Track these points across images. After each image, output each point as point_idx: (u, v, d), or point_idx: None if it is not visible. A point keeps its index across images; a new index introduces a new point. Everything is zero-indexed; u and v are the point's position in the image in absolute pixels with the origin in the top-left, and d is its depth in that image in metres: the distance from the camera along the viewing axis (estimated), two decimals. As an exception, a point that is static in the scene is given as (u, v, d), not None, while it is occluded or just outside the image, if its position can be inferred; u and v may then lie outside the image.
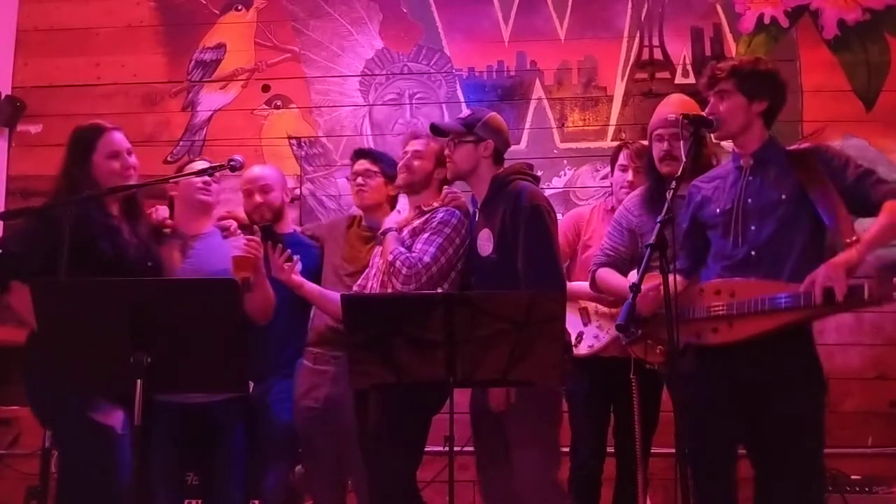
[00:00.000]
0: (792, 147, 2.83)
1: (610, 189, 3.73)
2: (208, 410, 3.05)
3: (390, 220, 3.19)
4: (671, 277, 2.53)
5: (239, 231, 3.31)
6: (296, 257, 3.17)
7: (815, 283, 2.48)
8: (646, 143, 3.52)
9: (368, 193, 3.42)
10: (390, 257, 3.02)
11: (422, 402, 2.93)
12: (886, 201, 2.55)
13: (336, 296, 3.17)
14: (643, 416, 3.27)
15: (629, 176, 3.50)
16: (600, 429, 3.43)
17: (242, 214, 3.50)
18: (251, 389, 3.18)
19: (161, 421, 2.96)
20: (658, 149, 3.17)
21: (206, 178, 3.18)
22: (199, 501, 3.32)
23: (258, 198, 3.46)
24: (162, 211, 3.29)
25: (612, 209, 3.53)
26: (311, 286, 3.24)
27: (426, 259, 3.00)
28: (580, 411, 3.42)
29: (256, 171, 3.57)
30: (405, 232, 3.13)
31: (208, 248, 3.18)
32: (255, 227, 3.41)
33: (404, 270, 2.97)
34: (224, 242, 3.23)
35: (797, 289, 2.54)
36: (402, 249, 3.04)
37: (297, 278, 3.18)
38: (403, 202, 3.36)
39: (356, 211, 3.61)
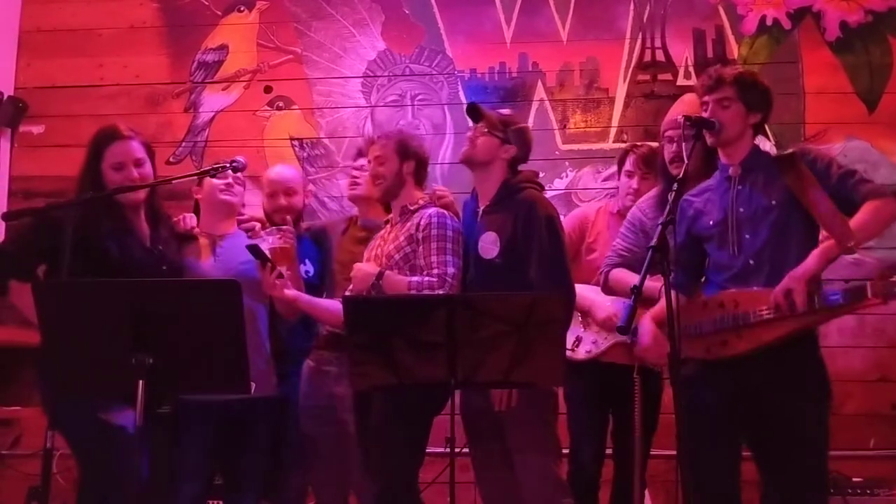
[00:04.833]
0: (777, 153, 2.84)
1: (615, 191, 3.69)
2: (238, 410, 3.00)
3: (371, 266, 3.09)
4: (670, 285, 2.52)
5: (262, 232, 3.31)
6: (286, 273, 3.06)
7: (775, 296, 2.55)
8: (653, 145, 3.51)
9: (364, 187, 3.38)
10: (414, 292, 2.95)
11: (423, 403, 2.92)
12: (866, 201, 2.58)
13: (329, 303, 3.17)
14: (643, 418, 3.26)
15: (635, 183, 3.47)
16: (600, 432, 3.41)
17: (260, 215, 3.47)
18: (253, 390, 3.17)
19: (191, 420, 2.92)
20: (668, 151, 3.15)
21: (228, 179, 3.16)
22: (220, 502, 3.32)
23: (283, 200, 3.46)
24: (190, 220, 3.25)
25: (619, 213, 3.51)
26: (305, 298, 3.14)
27: (451, 269, 2.98)
28: (579, 415, 3.40)
29: (281, 173, 3.58)
30: (401, 239, 3.09)
31: (235, 246, 3.14)
32: (288, 218, 3.37)
33: (441, 293, 2.92)
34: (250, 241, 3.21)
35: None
36: (417, 277, 2.99)
37: (291, 293, 3.06)
38: None
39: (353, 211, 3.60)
